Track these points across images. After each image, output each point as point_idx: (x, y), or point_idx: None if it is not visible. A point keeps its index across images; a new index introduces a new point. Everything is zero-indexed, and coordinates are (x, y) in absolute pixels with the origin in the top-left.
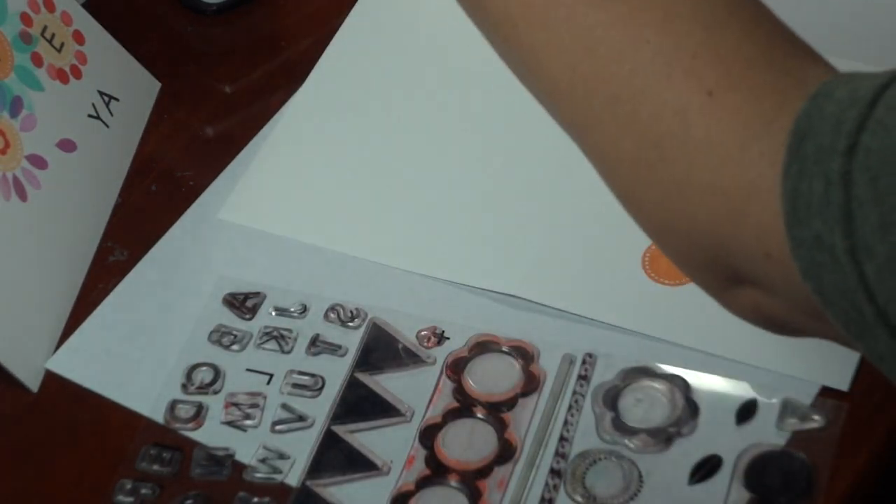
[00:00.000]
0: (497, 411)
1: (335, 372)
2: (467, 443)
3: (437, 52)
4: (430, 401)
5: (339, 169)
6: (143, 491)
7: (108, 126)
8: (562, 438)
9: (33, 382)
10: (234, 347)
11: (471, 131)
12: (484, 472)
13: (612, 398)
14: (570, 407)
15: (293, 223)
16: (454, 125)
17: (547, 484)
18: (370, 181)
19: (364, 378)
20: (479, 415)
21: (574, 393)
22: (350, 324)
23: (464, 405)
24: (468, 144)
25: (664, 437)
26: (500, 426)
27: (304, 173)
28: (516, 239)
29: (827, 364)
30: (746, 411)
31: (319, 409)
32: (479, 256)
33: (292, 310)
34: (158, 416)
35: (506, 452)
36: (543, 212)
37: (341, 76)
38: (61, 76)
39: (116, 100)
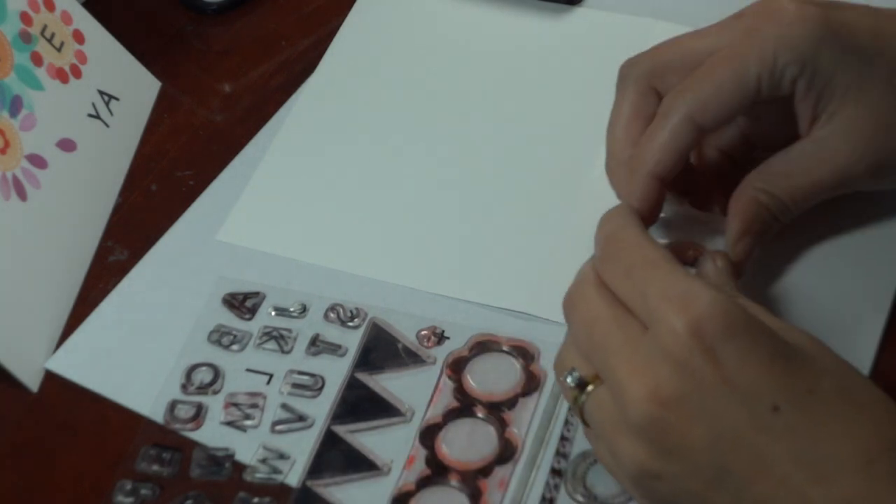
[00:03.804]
0: (498, 411)
1: (335, 372)
2: (468, 442)
3: (436, 55)
4: (431, 400)
5: (335, 185)
6: (143, 491)
7: (108, 126)
8: (563, 438)
9: (33, 382)
10: (234, 347)
11: (472, 141)
12: (485, 471)
13: None
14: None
15: (292, 243)
16: (455, 135)
17: (548, 483)
18: (367, 197)
19: (364, 378)
20: (480, 414)
21: None
22: (350, 323)
23: (464, 405)
24: (469, 155)
25: None
26: (501, 426)
27: (300, 192)
28: (520, 253)
29: None
30: None
31: (319, 409)
32: (483, 272)
33: (292, 310)
34: (158, 416)
35: (506, 452)
36: (546, 225)
37: (337, 86)
38: (61, 75)
39: (116, 99)
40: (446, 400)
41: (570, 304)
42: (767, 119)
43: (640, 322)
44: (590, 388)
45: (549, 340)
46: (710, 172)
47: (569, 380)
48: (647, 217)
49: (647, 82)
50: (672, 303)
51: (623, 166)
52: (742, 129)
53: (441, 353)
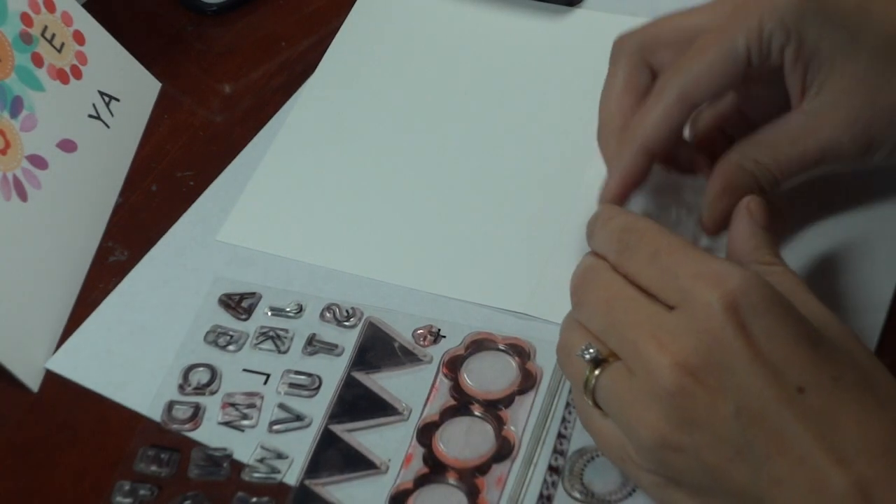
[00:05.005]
0: (494, 409)
1: (332, 371)
2: (465, 440)
3: (435, 56)
4: (428, 399)
5: (335, 186)
6: (142, 492)
7: (108, 126)
8: (559, 435)
9: (33, 382)
10: (231, 348)
11: (471, 141)
12: (482, 469)
13: None
14: (568, 404)
15: (292, 243)
16: (453, 135)
17: (545, 481)
18: (367, 197)
19: (361, 377)
20: (477, 412)
21: (570, 390)
22: (346, 323)
23: (461, 403)
24: (468, 156)
25: None
26: (498, 424)
27: (300, 192)
28: (517, 254)
29: None
30: None
31: (317, 408)
32: (480, 272)
33: (288, 310)
34: (156, 417)
35: (504, 450)
36: (544, 226)
37: (337, 86)
38: (62, 76)
39: (117, 100)
40: (443, 398)
41: (583, 285)
42: (761, 93)
43: (663, 303)
44: (597, 371)
45: (544, 339)
46: (704, 145)
47: (586, 355)
48: (632, 186)
49: (640, 56)
50: (706, 280)
51: (614, 136)
52: (737, 103)
53: (437, 352)
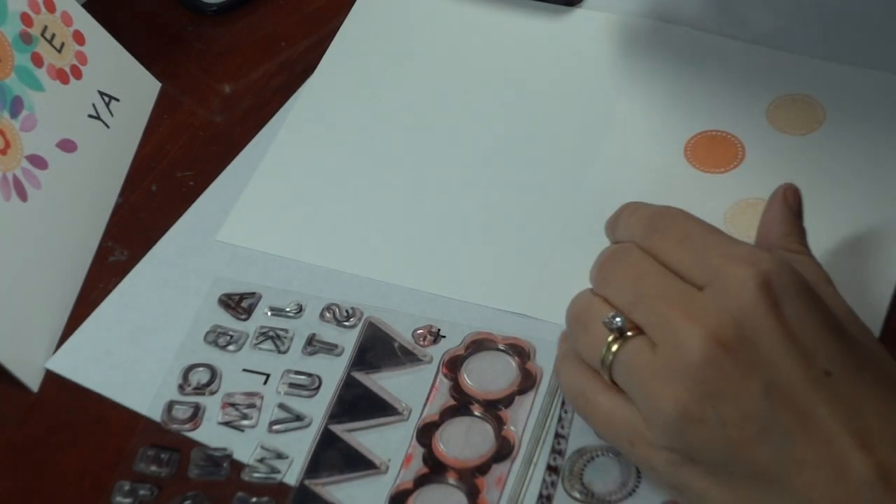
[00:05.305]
0: (494, 409)
1: (332, 371)
2: (465, 440)
3: (435, 56)
4: (427, 399)
5: (335, 186)
6: (142, 492)
7: (108, 126)
8: (559, 435)
9: (33, 382)
10: (231, 348)
11: (471, 141)
12: (482, 469)
13: None
14: (567, 404)
15: (292, 243)
16: (453, 135)
17: (545, 481)
18: (367, 197)
19: (361, 377)
20: (477, 412)
21: None
22: (346, 323)
23: (461, 403)
24: (468, 156)
25: None
26: (498, 424)
27: (300, 192)
28: (518, 254)
29: None
30: None
31: (316, 408)
32: (481, 272)
33: (288, 310)
34: (156, 417)
35: (503, 450)
36: (544, 226)
37: (337, 86)
38: (61, 76)
39: (116, 100)
40: (443, 398)
41: (609, 263)
42: None
43: (693, 284)
44: (615, 346)
45: (544, 338)
46: None
47: (614, 324)
48: None
49: None
50: (738, 260)
51: None
52: None
53: (437, 352)
